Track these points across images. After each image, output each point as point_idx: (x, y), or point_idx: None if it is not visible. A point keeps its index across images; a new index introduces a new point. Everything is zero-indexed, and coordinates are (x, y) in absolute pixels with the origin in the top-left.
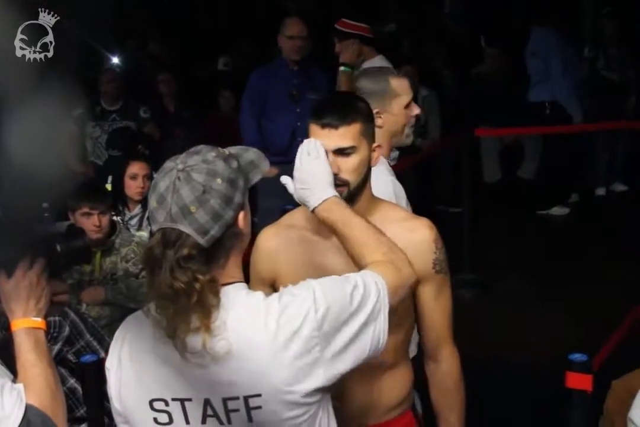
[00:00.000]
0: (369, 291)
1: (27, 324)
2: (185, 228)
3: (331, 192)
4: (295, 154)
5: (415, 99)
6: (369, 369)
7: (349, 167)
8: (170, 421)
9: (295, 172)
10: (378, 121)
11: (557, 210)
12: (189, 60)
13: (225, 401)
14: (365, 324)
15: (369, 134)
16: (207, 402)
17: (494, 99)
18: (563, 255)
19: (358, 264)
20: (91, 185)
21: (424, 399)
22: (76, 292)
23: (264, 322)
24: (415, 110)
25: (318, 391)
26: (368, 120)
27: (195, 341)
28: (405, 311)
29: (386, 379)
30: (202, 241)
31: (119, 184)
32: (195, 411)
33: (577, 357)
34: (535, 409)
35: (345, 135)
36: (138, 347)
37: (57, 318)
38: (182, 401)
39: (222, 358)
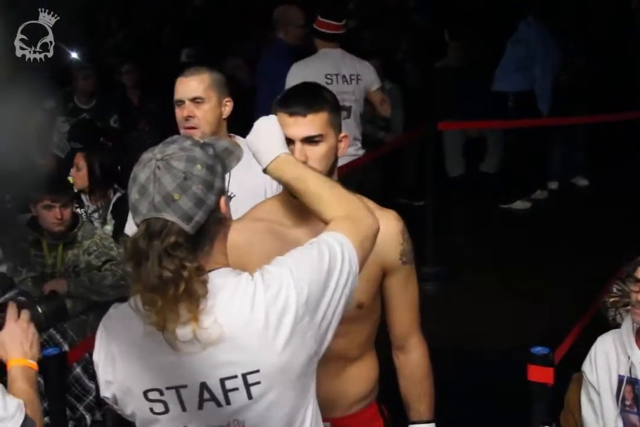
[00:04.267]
0: (335, 253)
1: (23, 364)
2: (170, 216)
3: (280, 150)
4: None
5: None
6: (335, 362)
7: (316, 155)
8: (167, 410)
9: (248, 136)
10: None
11: (519, 204)
12: (151, 51)
13: (223, 381)
14: (338, 285)
15: (335, 124)
16: (203, 386)
17: (458, 92)
18: (525, 248)
19: (320, 219)
20: (53, 177)
21: (392, 389)
22: (38, 285)
23: (252, 301)
24: None
25: (312, 359)
26: (334, 109)
27: (185, 331)
28: (372, 302)
29: (352, 371)
30: (187, 227)
31: None
32: (191, 397)
33: (539, 350)
34: (497, 401)
35: (312, 123)
36: (126, 341)
37: None
38: (176, 388)
39: (215, 342)
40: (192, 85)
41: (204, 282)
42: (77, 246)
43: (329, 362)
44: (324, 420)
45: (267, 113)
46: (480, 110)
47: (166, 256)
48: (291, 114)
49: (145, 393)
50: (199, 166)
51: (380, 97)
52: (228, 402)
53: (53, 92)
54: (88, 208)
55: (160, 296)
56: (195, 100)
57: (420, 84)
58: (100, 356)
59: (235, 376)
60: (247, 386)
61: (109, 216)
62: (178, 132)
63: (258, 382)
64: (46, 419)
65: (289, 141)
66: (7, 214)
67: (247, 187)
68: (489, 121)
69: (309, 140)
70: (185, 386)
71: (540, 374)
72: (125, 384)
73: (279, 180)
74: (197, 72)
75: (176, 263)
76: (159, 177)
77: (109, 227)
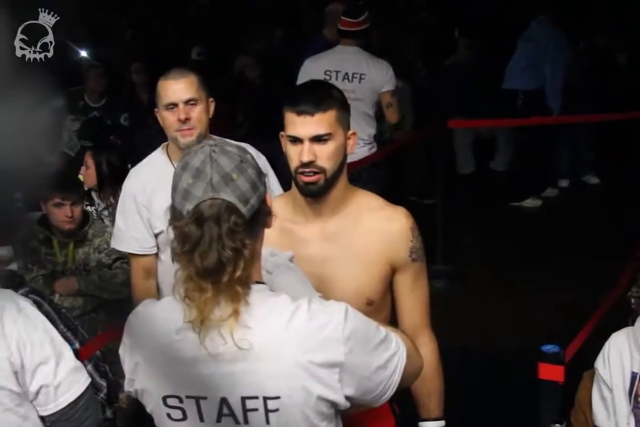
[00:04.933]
0: (392, 339)
1: None
2: (227, 196)
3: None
4: None
5: None
6: None
7: (325, 154)
8: (184, 417)
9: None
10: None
11: (530, 202)
12: (161, 49)
13: (244, 399)
14: (387, 363)
15: (344, 122)
16: (223, 401)
17: (468, 90)
18: (536, 246)
19: None
20: (63, 175)
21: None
22: (49, 283)
23: (290, 325)
24: None
25: (332, 405)
26: (343, 108)
27: (222, 330)
28: (382, 299)
29: None
30: (244, 210)
31: None
32: (210, 409)
33: (549, 348)
34: (507, 399)
35: (321, 122)
36: (152, 345)
37: None
38: (197, 399)
39: (244, 355)
40: (183, 88)
41: (258, 270)
42: (88, 243)
43: None
44: None
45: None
46: (490, 108)
47: (228, 235)
48: (299, 112)
49: (164, 398)
50: (248, 155)
51: (387, 101)
52: (246, 422)
53: (61, 90)
54: (99, 206)
55: (212, 282)
56: (189, 102)
57: (430, 82)
58: (125, 352)
59: (257, 397)
60: (267, 410)
61: None
62: None
63: (277, 410)
64: None
65: (297, 140)
66: (18, 213)
67: None
68: (498, 119)
69: (318, 139)
70: (205, 398)
71: (551, 372)
72: (146, 386)
73: None
74: (185, 74)
75: (237, 242)
76: (215, 158)
77: None
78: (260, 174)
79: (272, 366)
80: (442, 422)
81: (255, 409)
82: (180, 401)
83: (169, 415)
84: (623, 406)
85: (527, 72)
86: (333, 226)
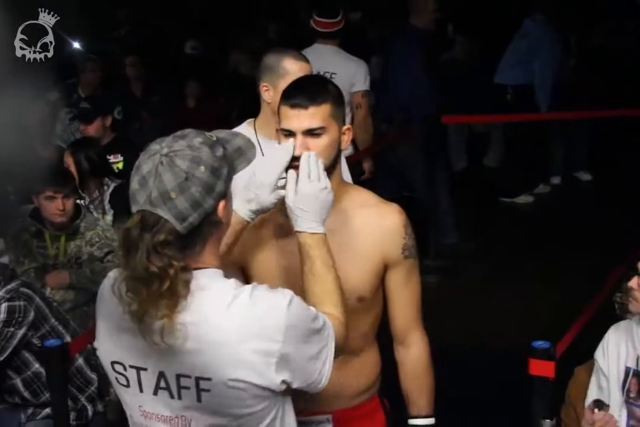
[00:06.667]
0: (326, 328)
1: None
2: (164, 213)
3: (322, 229)
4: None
5: None
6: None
7: (318, 148)
8: (128, 385)
9: (302, 189)
10: (266, 95)
11: (522, 199)
12: (155, 43)
13: (178, 376)
14: (319, 354)
15: (338, 116)
16: (161, 375)
17: (462, 86)
18: (527, 243)
19: (307, 298)
20: (55, 168)
21: (392, 382)
22: (40, 276)
23: (229, 310)
24: None
25: (265, 390)
26: (338, 102)
27: (158, 326)
28: (373, 296)
29: (354, 364)
30: (179, 227)
31: None
32: (149, 381)
33: (540, 344)
34: (498, 395)
35: (314, 115)
36: (105, 310)
37: (22, 303)
38: (138, 369)
39: (181, 341)
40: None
41: (187, 282)
42: (80, 237)
43: None
44: (325, 413)
45: (397, 101)
46: (482, 104)
47: (154, 252)
48: (293, 106)
49: (112, 364)
50: (202, 168)
51: (356, 101)
52: (179, 397)
53: (57, 84)
54: (85, 200)
55: (145, 288)
56: None
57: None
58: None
59: (189, 377)
60: (198, 389)
61: (107, 206)
62: (180, 124)
63: (209, 390)
64: (47, 410)
65: (290, 133)
66: (10, 205)
67: None
68: (492, 115)
69: (311, 132)
70: (145, 369)
71: (542, 368)
72: (100, 350)
73: (302, 247)
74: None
75: (164, 261)
76: (160, 173)
77: (109, 217)
78: (210, 189)
79: (206, 351)
80: (432, 420)
81: (188, 388)
82: (125, 368)
83: (117, 380)
84: (617, 397)
85: (517, 68)
86: (326, 221)
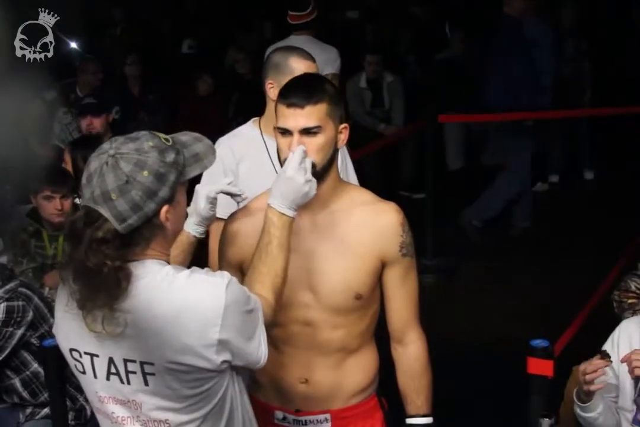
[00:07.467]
0: (257, 309)
1: None
2: (104, 212)
3: (293, 213)
4: None
5: (379, 86)
6: (334, 353)
7: (314, 147)
8: (84, 371)
9: (288, 173)
10: (271, 93)
11: None
12: (154, 42)
13: (125, 361)
14: (254, 334)
15: (335, 115)
16: (110, 360)
17: (459, 84)
18: (525, 241)
19: (250, 272)
20: (54, 168)
21: (390, 382)
22: (39, 276)
23: (166, 295)
24: None
25: (208, 371)
26: (334, 101)
27: (98, 315)
28: (370, 294)
29: (351, 363)
30: (119, 227)
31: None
32: (101, 366)
33: (539, 342)
34: (496, 394)
35: (311, 114)
36: (62, 298)
37: (20, 303)
38: (91, 355)
39: (121, 329)
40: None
41: (127, 278)
42: None
43: (328, 353)
44: (323, 412)
45: (500, 94)
46: (479, 103)
47: (90, 249)
48: (289, 105)
49: (70, 351)
50: (145, 172)
51: None
52: (128, 382)
53: (54, 83)
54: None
55: (85, 279)
56: None
57: (422, 77)
58: None
59: (135, 361)
60: (144, 373)
61: None
62: (176, 123)
63: (153, 374)
64: (46, 409)
65: (287, 132)
66: (8, 205)
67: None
68: (489, 114)
69: (307, 131)
70: (97, 356)
71: (540, 367)
72: (58, 337)
73: (266, 222)
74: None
75: (99, 258)
76: (104, 172)
77: None
78: (152, 194)
79: (146, 336)
80: (430, 419)
81: (134, 372)
82: (80, 355)
83: (75, 366)
84: (628, 391)
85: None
86: (323, 219)
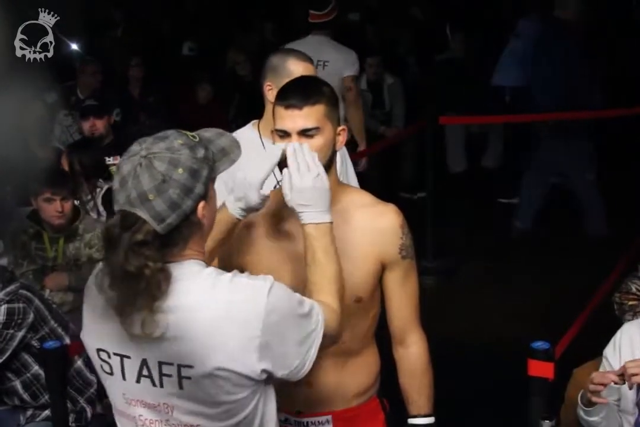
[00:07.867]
0: (314, 314)
1: None
2: (142, 214)
3: (328, 217)
4: None
5: (380, 87)
6: (335, 356)
7: (313, 148)
8: (111, 372)
9: (295, 184)
10: (269, 95)
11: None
12: (155, 43)
13: (160, 364)
14: (305, 338)
15: (333, 117)
16: (144, 362)
17: (459, 85)
18: (525, 243)
19: (308, 287)
20: (54, 170)
21: (391, 383)
22: (39, 278)
23: (208, 298)
24: None
25: (246, 378)
26: (332, 103)
27: (138, 318)
28: (371, 297)
29: (353, 365)
30: (158, 228)
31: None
32: (132, 368)
33: (539, 345)
34: (496, 394)
35: (309, 116)
36: (90, 298)
37: (21, 305)
38: (122, 357)
39: (161, 331)
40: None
41: (167, 279)
42: (79, 239)
43: (329, 355)
44: (325, 414)
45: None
46: (480, 105)
47: (131, 252)
48: (287, 106)
49: (97, 351)
50: (180, 170)
51: (347, 84)
52: (162, 385)
53: (55, 85)
54: (85, 202)
55: (124, 285)
56: None
57: (422, 78)
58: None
59: (172, 364)
60: (180, 377)
61: (101, 208)
62: (177, 126)
63: (190, 378)
64: (47, 412)
65: (285, 134)
66: (8, 207)
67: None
68: (490, 116)
69: (305, 133)
70: (129, 357)
71: (541, 369)
72: (85, 337)
73: (308, 238)
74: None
75: (140, 260)
76: (138, 174)
77: (103, 219)
78: (188, 191)
79: (187, 339)
80: (432, 419)
81: (170, 375)
82: (109, 356)
83: (101, 367)
84: (629, 394)
85: (515, 69)
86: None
